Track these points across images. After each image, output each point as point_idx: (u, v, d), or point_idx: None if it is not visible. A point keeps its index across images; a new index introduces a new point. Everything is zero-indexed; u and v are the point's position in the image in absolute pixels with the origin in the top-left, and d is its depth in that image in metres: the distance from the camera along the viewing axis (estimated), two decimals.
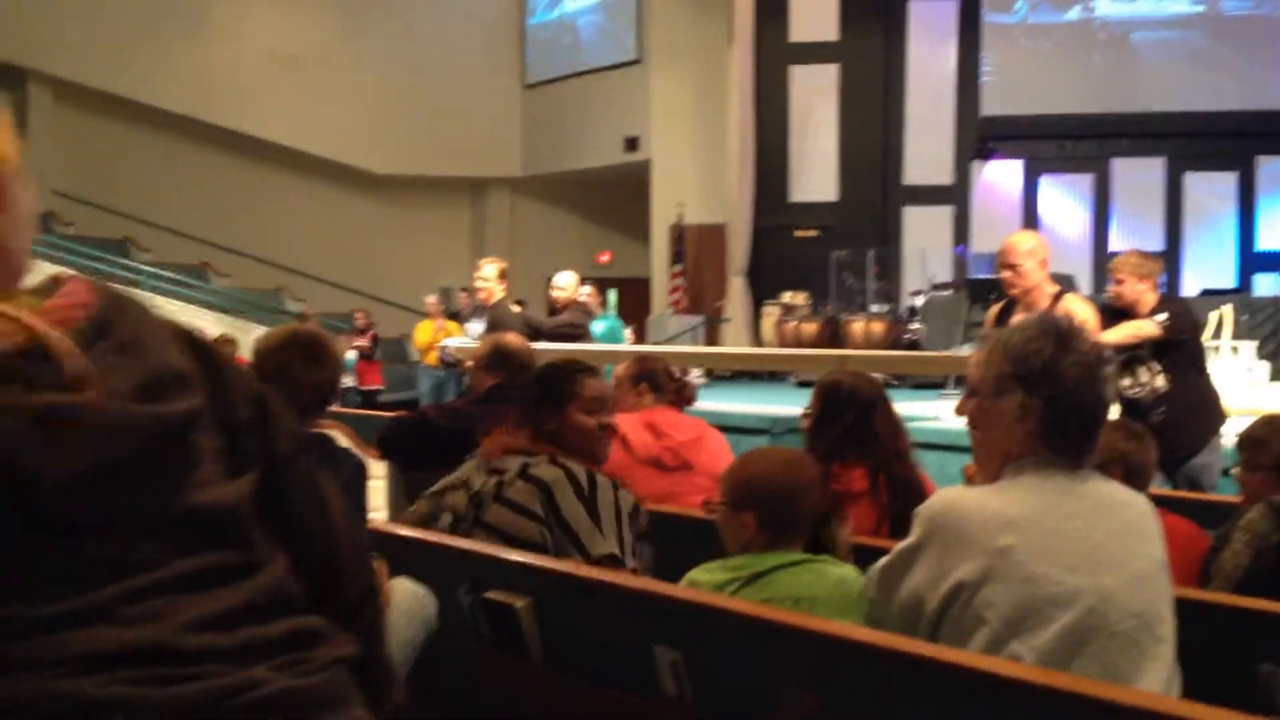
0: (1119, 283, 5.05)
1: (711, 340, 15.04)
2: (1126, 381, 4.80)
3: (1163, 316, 5.02)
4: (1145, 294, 5.00)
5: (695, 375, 12.27)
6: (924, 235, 15.23)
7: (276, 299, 15.61)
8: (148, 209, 15.50)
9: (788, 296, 13.86)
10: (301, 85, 16.60)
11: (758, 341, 14.41)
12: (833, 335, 12.66)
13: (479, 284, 7.04)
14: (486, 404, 3.81)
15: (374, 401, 12.64)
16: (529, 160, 18.04)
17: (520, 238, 18.17)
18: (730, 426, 6.58)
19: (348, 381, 12.42)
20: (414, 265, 16.93)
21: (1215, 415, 5.22)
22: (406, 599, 2.50)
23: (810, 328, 12.87)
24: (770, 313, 13.87)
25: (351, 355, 12.58)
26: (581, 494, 2.72)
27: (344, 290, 16.00)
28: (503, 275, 6.97)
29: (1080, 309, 4.50)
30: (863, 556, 2.37)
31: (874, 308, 13.43)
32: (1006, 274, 4.68)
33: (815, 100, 15.66)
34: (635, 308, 16.80)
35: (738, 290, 15.18)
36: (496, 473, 2.87)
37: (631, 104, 16.25)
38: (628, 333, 13.71)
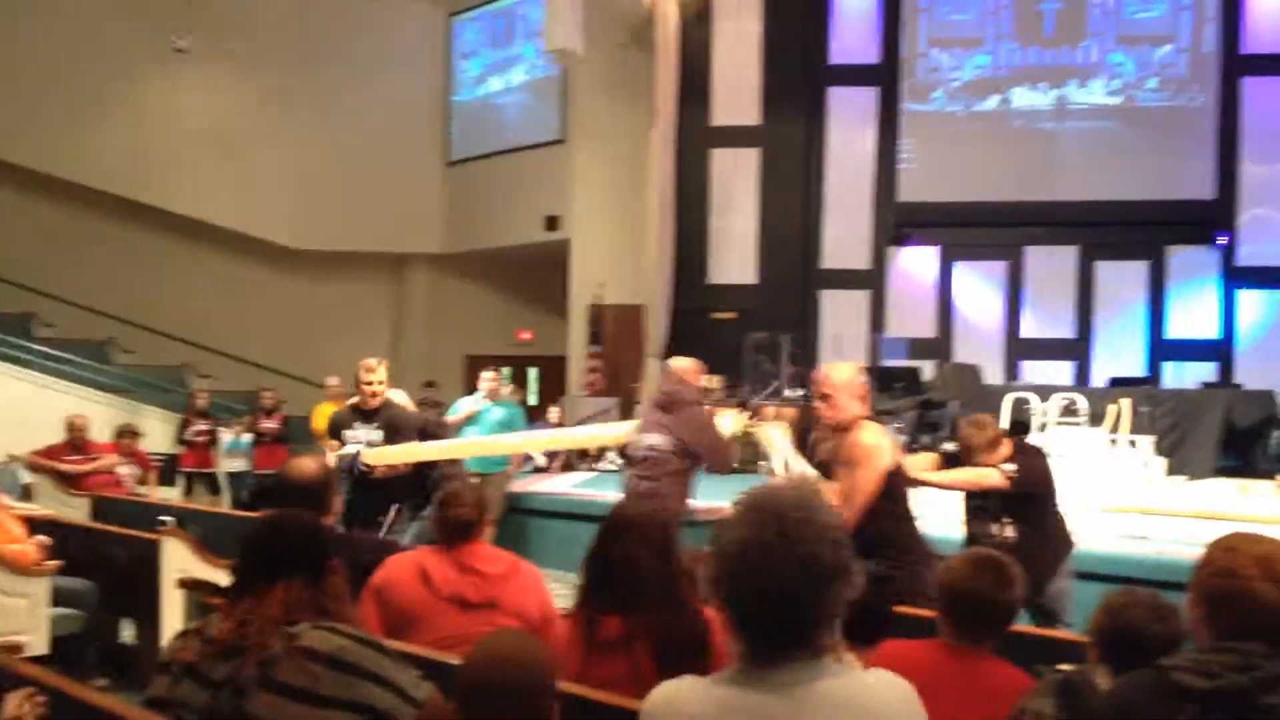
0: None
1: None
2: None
3: (1011, 468, 4.92)
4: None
5: (608, 461, 12.05)
6: (840, 320, 15.25)
7: (180, 376, 15.21)
8: (52, 284, 15.10)
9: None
10: (217, 160, 16.31)
11: None
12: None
13: (378, 386, 6.66)
14: None
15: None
16: (450, 237, 17.86)
17: (440, 314, 17.95)
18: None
19: (241, 465, 12.05)
20: (333, 342, 16.57)
21: (1063, 545, 5.14)
22: None
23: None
24: None
25: (247, 438, 12.19)
26: None
27: (254, 367, 15.64)
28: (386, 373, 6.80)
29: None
30: None
31: (788, 392, 13.33)
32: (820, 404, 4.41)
33: (735, 183, 15.67)
34: (556, 387, 16.61)
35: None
36: None
37: (553, 183, 16.16)
38: (553, 413, 13.47)
